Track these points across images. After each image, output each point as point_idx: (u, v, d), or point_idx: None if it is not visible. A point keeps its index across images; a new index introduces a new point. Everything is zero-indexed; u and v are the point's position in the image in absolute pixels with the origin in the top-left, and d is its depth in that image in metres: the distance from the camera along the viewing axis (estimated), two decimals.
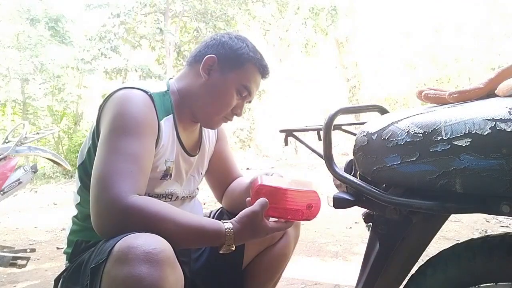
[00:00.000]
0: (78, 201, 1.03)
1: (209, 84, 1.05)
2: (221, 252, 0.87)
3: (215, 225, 0.86)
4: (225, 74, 1.05)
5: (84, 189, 1.01)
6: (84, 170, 1.01)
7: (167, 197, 1.07)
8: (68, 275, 0.92)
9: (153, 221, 0.79)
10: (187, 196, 1.15)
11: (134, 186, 0.83)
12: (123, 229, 0.77)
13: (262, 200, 0.88)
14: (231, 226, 0.86)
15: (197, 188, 1.23)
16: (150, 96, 0.96)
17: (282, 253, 1.20)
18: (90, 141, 1.00)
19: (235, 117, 1.12)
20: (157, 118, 0.96)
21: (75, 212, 1.05)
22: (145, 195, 0.97)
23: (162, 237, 0.75)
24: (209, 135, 1.25)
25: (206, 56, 1.05)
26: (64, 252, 1.04)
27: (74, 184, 1.09)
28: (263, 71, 1.11)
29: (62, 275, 0.97)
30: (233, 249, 0.87)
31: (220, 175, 1.28)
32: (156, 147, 0.97)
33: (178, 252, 0.77)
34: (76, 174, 1.05)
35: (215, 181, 1.29)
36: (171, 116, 1.03)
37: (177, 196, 1.10)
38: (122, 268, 0.69)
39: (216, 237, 0.85)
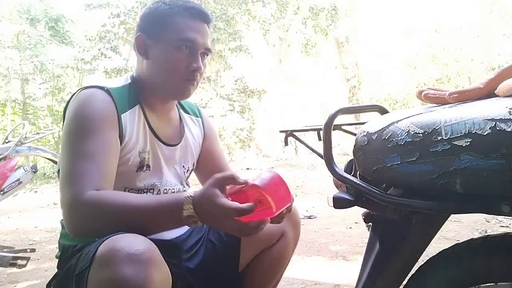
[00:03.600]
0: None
1: (152, 61, 1.01)
2: (185, 220, 0.79)
3: (173, 196, 0.85)
4: (158, 42, 0.99)
5: None
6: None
7: (149, 190, 1.04)
8: (56, 283, 0.91)
9: (110, 211, 0.79)
10: (170, 190, 1.10)
11: (90, 184, 0.83)
12: (86, 227, 0.80)
13: (218, 177, 0.80)
14: (192, 194, 0.79)
15: (186, 185, 1.17)
16: (107, 91, 0.95)
17: (280, 255, 1.17)
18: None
19: (201, 76, 1.04)
20: (117, 111, 0.95)
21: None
22: (124, 190, 0.98)
23: (124, 224, 0.76)
24: (192, 128, 1.19)
25: (134, 38, 1.03)
26: (56, 257, 1.04)
27: None
28: (193, 13, 1.00)
29: (52, 282, 0.96)
30: (198, 223, 0.79)
31: (210, 174, 1.24)
32: (121, 140, 0.95)
33: (166, 253, 0.77)
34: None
35: (205, 181, 1.25)
36: (137, 106, 1.01)
37: (159, 189, 1.06)
38: (106, 271, 0.68)
39: (175, 205, 0.78)
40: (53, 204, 5.82)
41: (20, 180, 2.49)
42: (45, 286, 0.98)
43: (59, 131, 11.40)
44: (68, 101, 0.98)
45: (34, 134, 2.77)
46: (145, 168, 1.02)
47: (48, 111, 12.41)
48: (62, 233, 1.04)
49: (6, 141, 2.62)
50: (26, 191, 7.35)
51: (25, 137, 2.54)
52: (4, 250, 2.28)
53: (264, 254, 1.16)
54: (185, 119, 1.18)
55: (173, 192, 1.11)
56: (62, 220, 1.03)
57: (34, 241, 3.37)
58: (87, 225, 0.80)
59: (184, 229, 1.14)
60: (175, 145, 1.11)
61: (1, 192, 2.37)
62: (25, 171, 2.53)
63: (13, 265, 2.11)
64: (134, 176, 1.01)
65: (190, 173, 1.21)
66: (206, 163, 1.22)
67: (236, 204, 0.75)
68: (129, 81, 1.05)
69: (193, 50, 1.00)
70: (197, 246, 1.14)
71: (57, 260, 1.02)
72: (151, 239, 0.76)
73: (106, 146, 0.90)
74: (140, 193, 1.03)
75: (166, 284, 0.75)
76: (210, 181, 0.78)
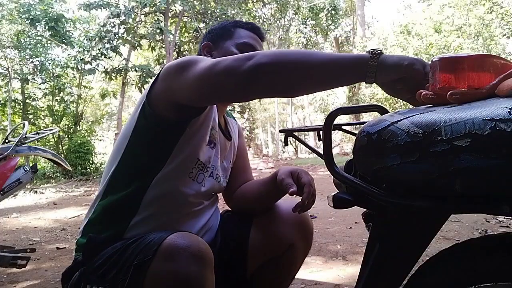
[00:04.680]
0: (105, 188, 1.00)
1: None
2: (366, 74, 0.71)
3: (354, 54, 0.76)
4: (222, 47, 1.11)
5: (118, 173, 0.98)
6: (130, 150, 0.98)
7: (206, 169, 1.05)
8: (91, 269, 0.88)
9: (287, 65, 0.73)
10: (221, 177, 1.13)
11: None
12: (263, 79, 0.73)
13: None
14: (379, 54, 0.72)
15: (225, 181, 1.18)
16: None
17: (288, 266, 1.17)
18: (136, 121, 0.97)
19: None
20: None
21: (99, 198, 1.01)
22: (190, 158, 1.01)
23: (302, 78, 0.73)
24: (233, 127, 1.26)
25: (201, 45, 1.15)
26: (77, 243, 1.00)
27: (106, 166, 1.05)
28: (253, 28, 1.15)
29: (78, 270, 0.92)
30: (373, 79, 0.72)
31: (234, 171, 1.25)
32: (202, 112, 0.99)
33: None
34: (112, 158, 1.02)
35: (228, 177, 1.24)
36: None
37: (212, 172, 1.08)
38: (171, 266, 0.72)
39: (359, 59, 0.72)
40: (53, 204, 5.82)
41: (20, 180, 2.49)
42: (62, 275, 0.96)
43: (59, 131, 11.41)
44: (159, 72, 0.94)
45: (34, 134, 2.77)
46: (213, 144, 1.07)
47: (48, 111, 12.40)
48: (91, 218, 1.00)
49: (6, 141, 2.63)
50: (26, 191, 7.35)
51: (25, 137, 2.54)
52: (4, 250, 2.28)
53: (272, 262, 1.16)
54: (228, 120, 1.25)
55: (220, 182, 1.13)
56: (98, 202, 1.00)
57: (34, 241, 3.37)
58: (264, 78, 0.73)
59: (210, 237, 1.13)
60: (229, 139, 1.18)
61: (1, 192, 2.37)
62: (25, 171, 2.53)
63: (13, 265, 2.11)
64: (205, 149, 1.04)
65: (230, 169, 1.24)
66: (238, 161, 1.27)
67: None
68: None
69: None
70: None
71: (77, 248, 0.99)
72: None
73: None
74: (201, 167, 1.04)
75: (213, 286, 0.80)
76: None
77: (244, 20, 1.18)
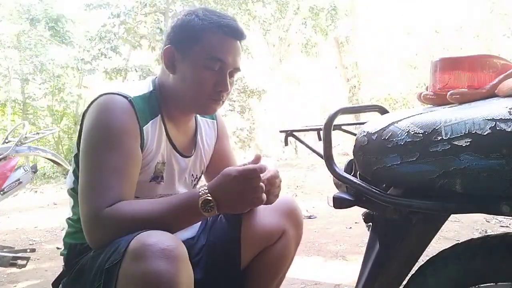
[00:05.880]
0: (72, 204, 1.03)
1: (178, 76, 0.98)
2: (202, 211, 0.83)
3: (188, 193, 0.88)
4: (187, 58, 0.96)
5: (74, 192, 0.99)
6: (75, 175, 0.99)
7: (157, 196, 1.04)
8: (70, 280, 0.92)
9: (134, 220, 0.81)
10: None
11: (112, 197, 0.84)
12: (108, 239, 0.80)
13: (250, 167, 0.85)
14: (206, 186, 0.85)
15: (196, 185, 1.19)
16: (130, 101, 0.93)
17: (281, 254, 1.16)
18: (76, 149, 0.98)
19: (227, 96, 1.02)
20: (139, 124, 0.93)
21: (69, 214, 1.05)
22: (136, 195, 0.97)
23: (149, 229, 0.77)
24: (206, 134, 1.18)
25: (163, 50, 1.00)
26: (61, 254, 1.04)
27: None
28: (228, 31, 0.96)
29: (62, 280, 0.96)
30: (214, 209, 0.83)
31: (215, 173, 1.24)
32: (142, 152, 0.95)
33: None
34: (69, 175, 1.04)
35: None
36: (158, 117, 1.00)
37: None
38: (139, 265, 0.70)
39: (192, 200, 0.83)
40: (53, 204, 5.82)
41: (20, 180, 2.49)
42: (51, 285, 0.98)
43: (59, 131, 11.41)
44: (89, 106, 0.95)
45: (34, 134, 2.77)
46: (159, 179, 1.03)
47: (48, 111, 12.39)
48: (68, 231, 1.04)
49: (6, 141, 2.62)
50: (26, 191, 7.34)
51: (25, 137, 2.54)
52: (4, 250, 2.28)
53: (265, 252, 1.16)
54: (200, 124, 1.17)
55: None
56: (68, 218, 1.04)
57: (34, 241, 3.37)
58: (109, 237, 0.80)
59: (193, 231, 1.14)
60: (190, 156, 1.11)
61: (1, 192, 2.37)
62: (25, 171, 2.53)
63: (13, 265, 2.11)
64: (147, 186, 1.01)
65: (198, 180, 1.21)
66: (216, 163, 1.22)
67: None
68: (151, 88, 1.02)
69: (222, 70, 0.97)
70: (201, 251, 1.14)
71: (63, 258, 1.02)
72: None
73: (129, 158, 0.90)
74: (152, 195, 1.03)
75: (190, 280, 0.77)
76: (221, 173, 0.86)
77: (214, 18, 0.96)
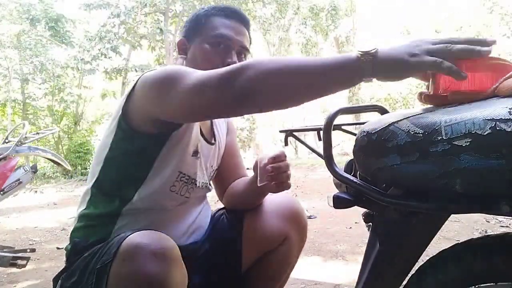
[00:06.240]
0: (89, 197, 1.00)
1: (190, 58, 1.04)
2: (358, 64, 0.64)
3: (344, 55, 0.68)
4: (195, 41, 1.03)
5: (101, 184, 0.98)
6: (110, 162, 0.96)
7: (191, 181, 1.03)
8: (67, 276, 0.91)
9: (273, 69, 0.69)
10: (204, 185, 1.09)
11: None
12: (253, 88, 0.69)
13: None
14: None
15: (210, 185, 1.15)
16: None
17: (283, 259, 1.14)
18: (114, 132, 0.95)
19: None
20: None
21: (83, 207, 1.01)
22: (178, 175, 0.99)
23: (292, 87, 0.68)
24: (220, 126, 1.19)
25: (177, 42, 1.08)
26: (65, 249, 1.03)
27: (88, 178, 1.04)
28: (228, 13, 1.03)
29: (61, 275, 0.96)
30: (372, 78, 0.66)
31: (225, 170, 1.21)
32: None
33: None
34: (93, 168, 1.01)
35: (219, 176, 1.21)
36: None
37: (197, 183, 1.05)
38: (130, 266, 0.69)
39: (349, 60, 0.66)
40: (53, 204, 5.82)
41: (20, 180, 2.49)
42: (52, 280, 0.98)
43: (59, 131, 11.41)
44: (135, 83, 0.90)
45: (34, 134, 2.77)
46: (198, 155, 1.03)
47: (48, 111, 12.41)
48: (77, 226, 1.01)
49: (6, 141, 2.62)
50: (26, 191, 7.35)
51: (25, 137, 2.54)
52: (4, 250, 2.28)
53: (266, 257, 1.14)
54: (215, 120, 1.17)
55: (205, 188, 1.09)
56: (81, 211, 1.00)
57: (34, 241, 3.37)
58: (254, 86, 0.69)
59: (197, 236, 1.12)
60: (212, 144, 1.11)
61: (1, 192, 2.37)
62: (25, 171, 2.53)
63: (13, 265, 2.11)
64: (189, 160, 1.00)
65: (215, 173, 1.18)
66: (226, 158, 1.20)
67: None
68: None
69: (228, 47, 1.00)
70: (203, 255, 1.12)
71: (65, 253, 1.01)
72: None
73: None
74: (187, 180, 1.02)
75: (184, 282, 0.76)
76: None
77: (216, 7, 1.06)
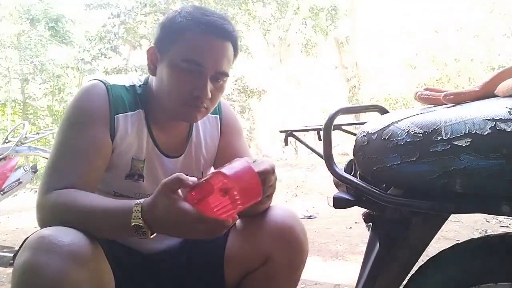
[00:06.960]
0: None
1: (157, 79, 0.92)
2: (133, 231, 0.72)
3: (125, 201, 0.76)
4: (165, 59, 0.89)
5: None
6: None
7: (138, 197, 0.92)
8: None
9: (65, 211, 0.79)
10: None
11: (63, 181, 0.82)
12: (46, 221, 0.81)
13: (166, 182, 0.71)
14: (142, 201, 0.73)
15: None
16: (107, 88, 0.90)
17: (266, 281, 0.97)
18: None
19: (211, 102, 0.91)
20: (110, 110, 0.89)
21: None
22: (114, 194, 0.95)
23: (78, 225, 0.74)
24: (205, 132, 1.06)
25: (146, 51, 0.93)
26: None
27: None
28: (206, 28, 0.85)
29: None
30: (148, 234, 0.72)
31: None
32: (112, 141, 0.90)
33: (144, 268, 0.78)
34: None
35: None
36: (140, 111, 0.94)
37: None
38: (24, 255, 0.69)
39: (122, 212, 0.74)
40: None
41: (20, 180, 2.49)
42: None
43: None
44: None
45: (34, 134, 2.77)
46: (136, 177, 0.95)
47: (48, 111, 12.41)
48: None
49: (6, 141, 2.63)
50: (26, 191, 7.32)
51: (25, 137, 2.54)
52: (4, 250, 2.28)
53: (248, 278, 1.00)
54: (199, 122, 1.04)
55: None
56: None
57: None
58: (48, 220, 0.81)
59: (174, 242, 1.04)
60: (177, 156, 1.01)
61: (1, 192, 2.37)
62: (25, 171, 2.53)
63: (13, 265, 2.10)
64: (123, 183, 0.95)
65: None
66: (222, 160, 1.05)
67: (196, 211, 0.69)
68: (141, 82, 0.98)
69: (200, 74, 0.87)
70: (183, 268, 1.02)
71: None
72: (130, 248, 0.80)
73: (92, 143, 0.86)
74: (125, 196, 0.96)
75: (87, 285, 0.70)
76: (159, 187, 0.71)
77: (196, 15, 0.88)
